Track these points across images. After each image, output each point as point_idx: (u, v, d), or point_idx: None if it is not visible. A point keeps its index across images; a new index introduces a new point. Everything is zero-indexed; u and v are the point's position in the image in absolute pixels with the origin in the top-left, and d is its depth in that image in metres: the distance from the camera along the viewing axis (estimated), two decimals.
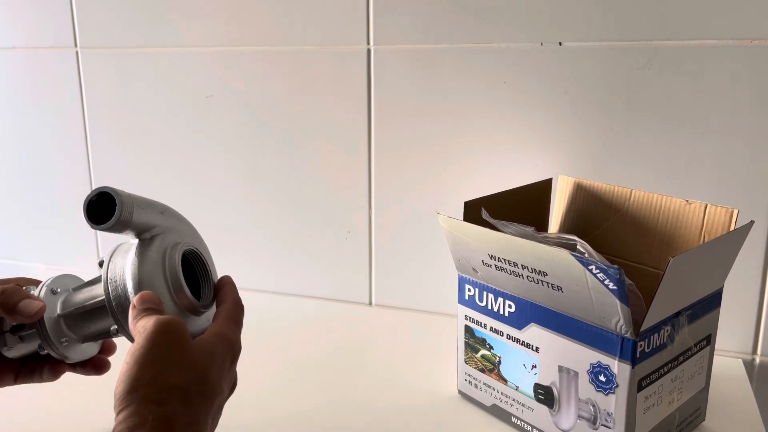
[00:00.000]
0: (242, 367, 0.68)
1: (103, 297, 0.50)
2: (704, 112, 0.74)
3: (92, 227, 0.48)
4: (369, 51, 0.84)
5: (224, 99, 0.92)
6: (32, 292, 0.53)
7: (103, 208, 0.48)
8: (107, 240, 1.03)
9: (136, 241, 0.50)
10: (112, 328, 0.51)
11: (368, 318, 0.90)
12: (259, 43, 0.88)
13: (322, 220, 0.92)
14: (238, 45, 0.89)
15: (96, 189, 0.48)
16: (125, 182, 1.00)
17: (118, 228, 0.48)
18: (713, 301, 0.60)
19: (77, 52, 0.97)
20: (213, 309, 0.54)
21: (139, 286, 0.48)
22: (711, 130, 0.74)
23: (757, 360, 0.78)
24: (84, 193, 1.00)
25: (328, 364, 0.76)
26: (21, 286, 0.54)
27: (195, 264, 0.54)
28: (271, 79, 0.89)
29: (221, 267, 0.96)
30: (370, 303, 0.93)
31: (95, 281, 0.54)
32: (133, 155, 0.99)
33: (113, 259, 0.51)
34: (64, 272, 0.57)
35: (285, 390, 0.71)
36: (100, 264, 0.52)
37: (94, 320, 0.52)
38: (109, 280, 0.50)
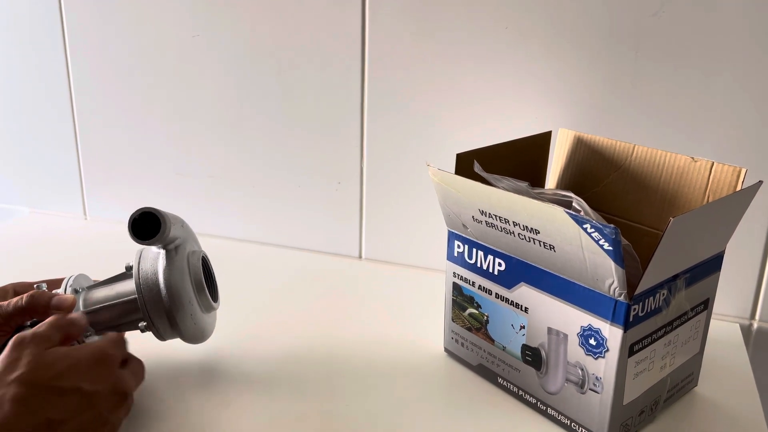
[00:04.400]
0: (229, 317, 0.67)
1: (133, 296, 0.57)
2: (716, 64, 0.69)
3: (138, 242, 0.55)
4: None
5: (211, 39, 0.87)
6: (57, 291, 0.58)
7: (143, 224, 0.55)
8: (93, 186, 1.01)
9: (162, 250, 0.58)
10: (141, 324, 0.58)
11: (357, 272, 0.88)
12: None
13: (312, 170, 0.88)
14: None
15: (139, 209, 0.55)
16: (109, 124, 0.96)
17: (156, 243, 0.56)
18: (713, 265, 0.57)
19: None
20: (217, 309, 0.64)
21: (169, 289, 0.57)
22: (722, 83, 0.69)
23: (755, 325, 0.75)
24: (67, 134, 0.97)
25: (315, 318, 0.75)
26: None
27: (205, 268, 0.62)
28: (261, 19, 0.84)
29: (206, 215, 0.94)
30: (360, 256, 0.90)
31: (115, 280, 0.60)
32: (116, 96, 0.95)
33: (141, 265, 0.58)
34: (81, 273, 0.62)
35: (269, 343, 0.69)
36: (128, 268, 0.60)
37: (120, 315, 0.58)
38: (141, 283, 0.57)
